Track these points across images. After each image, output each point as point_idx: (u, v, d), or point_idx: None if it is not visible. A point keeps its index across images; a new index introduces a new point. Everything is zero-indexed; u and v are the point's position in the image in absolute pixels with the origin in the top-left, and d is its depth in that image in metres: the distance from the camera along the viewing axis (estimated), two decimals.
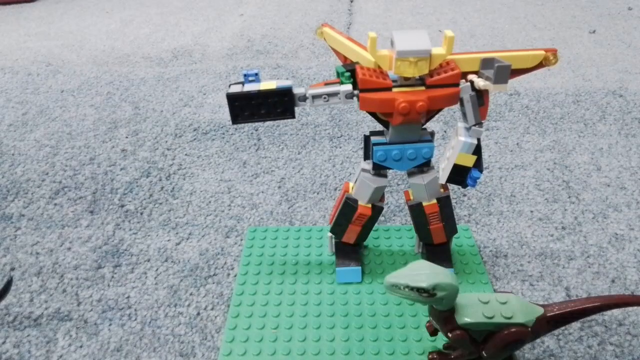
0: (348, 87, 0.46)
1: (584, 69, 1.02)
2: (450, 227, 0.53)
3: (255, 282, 0.54)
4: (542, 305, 0.43)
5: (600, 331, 0.49)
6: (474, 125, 0.46)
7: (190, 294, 0.54)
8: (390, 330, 0.49)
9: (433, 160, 0.50)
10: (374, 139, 0.50)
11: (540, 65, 0.47)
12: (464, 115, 0.47)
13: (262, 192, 0.69)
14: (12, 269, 0.57)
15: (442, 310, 0.41)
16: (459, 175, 0.49)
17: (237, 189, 0.70)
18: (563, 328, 0.49)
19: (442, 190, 0.52)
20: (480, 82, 0.44)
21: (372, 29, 1.28)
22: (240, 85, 0.47)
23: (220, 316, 0.52)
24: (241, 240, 0.61)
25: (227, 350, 0.47)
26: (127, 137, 0.82)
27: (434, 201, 0.51)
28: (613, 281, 0.54)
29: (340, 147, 0.79)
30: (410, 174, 0.51)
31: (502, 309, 0.41)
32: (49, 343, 0.49)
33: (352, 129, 0.83)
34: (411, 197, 0.53)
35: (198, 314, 0.52)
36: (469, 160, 0.48)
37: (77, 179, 0.72)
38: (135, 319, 0.51)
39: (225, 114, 0.88)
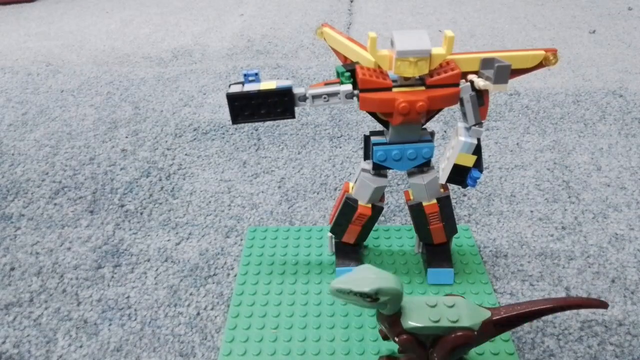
0: (348, 87, 0.46)
1: (584, 69, 1.02)
2: (450, 227, 0.53)
3: (255, 282, 0.54)
4: (490, 309, 0.43)
5: (600, 331, 0.49)
6: (474, 125, 0.46)
7: (190, 294, 0.54)
8: None
9: (433, 160, 0.50)
10: (374, 139, 0.50)
11: (540, 65, 0.47)
12: (464, 115, 0.47)
13: (262, 192, 0.69)
14: (12, 269, 0.57)
15: (388, 314, 0.41)
16: (459, 175, 0.49)
17: (237, 189, 0.70)
18: (563, 328, 0.49)
19: (442, 190, 0.52)
20: (480, 82, 0.44)
21: (372, 29, 1.28)
22: (240, 85, 0.47)
23: (220, 316, 0.52)
24: (241, 240, 0.61)
25: (227, 350, 0.47)
26: (127, 137, 0.82)
27: (434, 201, 0.51)
28: (613, 281, 0.54)
29: (340, 147, 0.79)
30: (410, 174, 0.51)
31: (448, 313, 0.41)
32: (49, 343, 0.49)
33: (352, 129, 0.83)
34: (411, 197, 0.53)
35: (198, 314, 0.52)
36: (469, 160, 0.48)
37: (77, 178, 0.72)
38: (135, 319, 0.51)
39: (225, 113, 0.88)
